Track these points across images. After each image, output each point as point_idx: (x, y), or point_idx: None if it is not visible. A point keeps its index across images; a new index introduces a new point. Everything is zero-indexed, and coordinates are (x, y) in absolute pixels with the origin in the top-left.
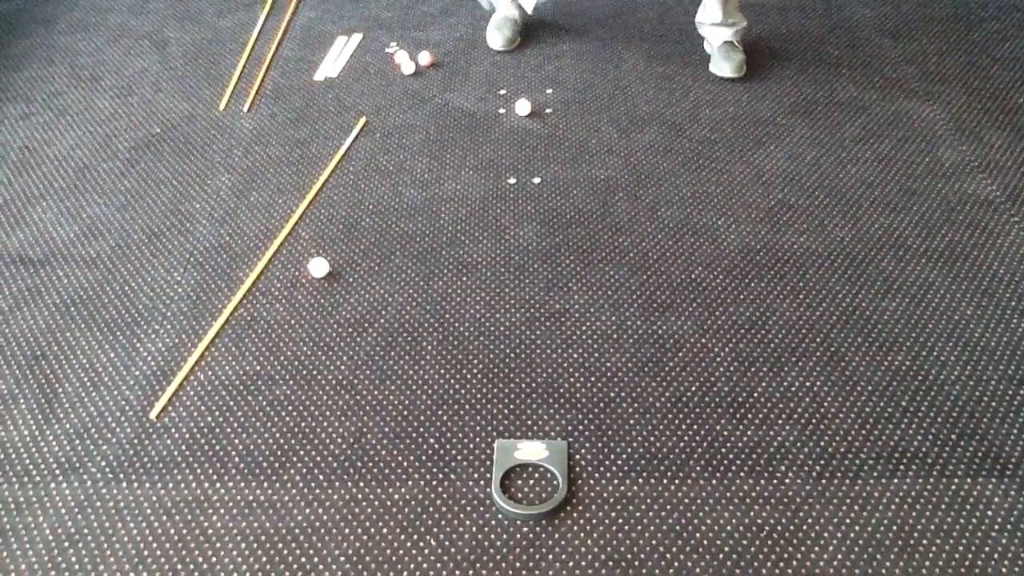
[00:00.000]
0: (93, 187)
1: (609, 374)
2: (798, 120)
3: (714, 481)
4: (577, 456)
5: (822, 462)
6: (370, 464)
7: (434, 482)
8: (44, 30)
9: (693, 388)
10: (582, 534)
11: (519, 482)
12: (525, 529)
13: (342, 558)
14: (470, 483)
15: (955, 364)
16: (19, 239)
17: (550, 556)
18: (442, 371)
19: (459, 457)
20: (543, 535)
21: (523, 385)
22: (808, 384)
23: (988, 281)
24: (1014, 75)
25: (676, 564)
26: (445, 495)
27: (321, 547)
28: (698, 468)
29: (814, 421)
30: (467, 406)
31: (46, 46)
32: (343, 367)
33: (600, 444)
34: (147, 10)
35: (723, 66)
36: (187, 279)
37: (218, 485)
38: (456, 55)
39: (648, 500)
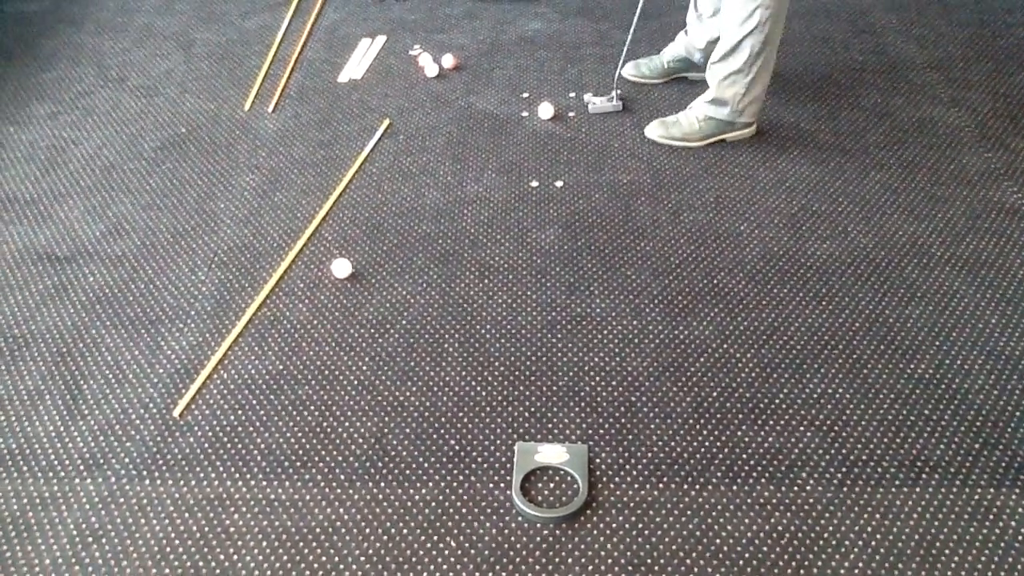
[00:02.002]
0: (119, 186)
1: (630, 378)
2: (822, 125)
3: (734, 487)
4: (597, 460)
5: (843, 470)
6: (391, 465)
7: (455, 483)
8: (71, 30)
9: (714, 393)
10: (602, 538)
11: (539, 485)
12: (545, 532)
13: (362, 558)
14: (490, 485)
15: (979, 373)
16: (46, 237)
17: (569, 560)
18: (464, 373)
19: (480, 459)
20: (563, 538)
21: (544, 388)
22: (830, 391)
23: (1013, 290)
24: None
25: (696, 570)
26: (465, 496)
27: (342, 546)
28: (719, 474)
29: (836, 428)
30: (488, 408)
31: (73, 46)
32: (365, 368)
33: (621, 448)
34: (173, 11)
35: (654, 126)
36: (211, 278)
37: (240, 483)
38: (479, 58)
39: (668, 505)
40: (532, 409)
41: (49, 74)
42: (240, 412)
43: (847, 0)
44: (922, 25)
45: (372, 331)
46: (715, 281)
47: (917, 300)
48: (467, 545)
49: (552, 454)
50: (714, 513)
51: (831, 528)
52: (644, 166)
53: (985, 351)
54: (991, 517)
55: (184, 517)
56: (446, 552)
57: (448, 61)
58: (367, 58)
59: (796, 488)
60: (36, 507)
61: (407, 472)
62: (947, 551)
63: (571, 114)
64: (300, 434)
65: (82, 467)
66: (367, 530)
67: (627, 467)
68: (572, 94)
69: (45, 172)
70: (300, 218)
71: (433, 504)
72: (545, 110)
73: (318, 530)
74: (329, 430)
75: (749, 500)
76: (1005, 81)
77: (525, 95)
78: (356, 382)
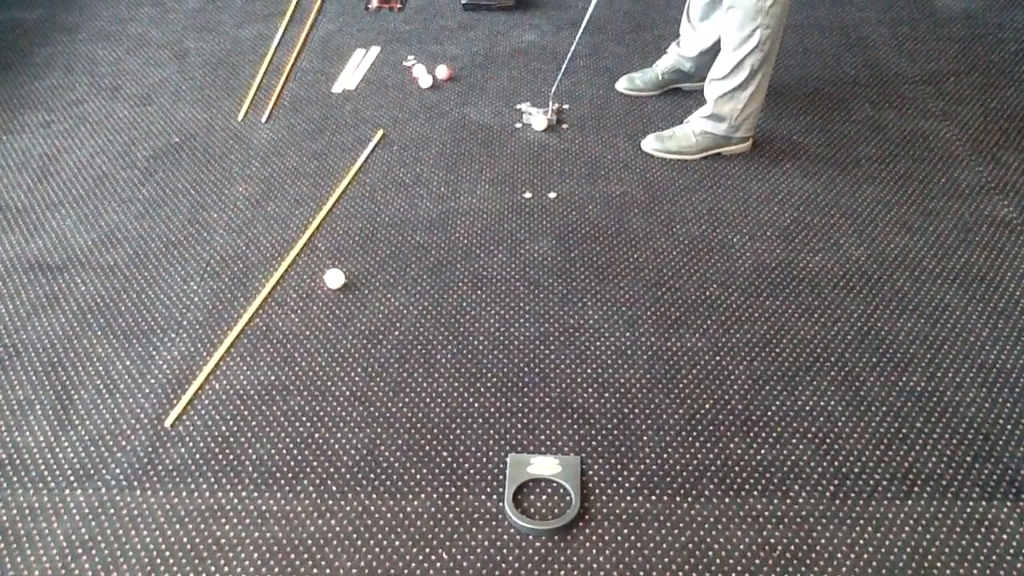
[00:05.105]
0: (111, 195)
1: (623, 390)
2: (814, 138)
3: (727, 499)
4: (590, 472)
5: (836, 482)
6: (383, 476)
7: (447, 495)
8: (66, 39)
9: (707, 405)
10: (594, 550)
11: (532, 497)
12: (537, 544)
13: (354, 570)
14: (483, 497)
15: (970, 386)
16: (38, 246)
17: (562, 572)
18: (456, 384)
19: (472, 471)
20: (555, 551)
21: (537, 400)
22: (822, 403)
23: (1004, 303)
24: None
25: None
26: (458, 508)
27: (333, 558)
28: (711, 486)
29: (828, 440)
30: (480, 420)
31: (67, 55)
32: (357, 379)
33: (613, 460)
34: (167, 20)
35: (650, 140)
36: (203, 288)
37: (231, 494)
38: (473, 69)
39: (661, 517)
40: (524, 421)
41: (42, 82)
42: (232, 423)
43: (839, 14)
44: (914, 39)
45: (365, 342)
46: (708, 293)
47: (909, 313)
48: (459, 557)
49: (544, 466)
50: (707, 525)
51: (823, 541)
52: (637, 178)
53: (976, 364)
54: (983, 530)
55: (175, 528)
56: (438, 564)
57: (442, 72)
58: (361, 69)
59: (788, 500)
60: (26, 517)
61: (399, 484)
62: (939, 564)
63: (564, 126)
64: (292, 445)
65: (72, 477)
66: (359, 542)
67: (620, 479)
68: (566, 105)
69: (38, 181)
70: (293, 228)
71: (425, 516)
72: (539, 121)
73: (309, 542)
74: (321, 441)
75: (742, 512)
76: (996, 95)
77: (519, 106)
78: (348, 393)
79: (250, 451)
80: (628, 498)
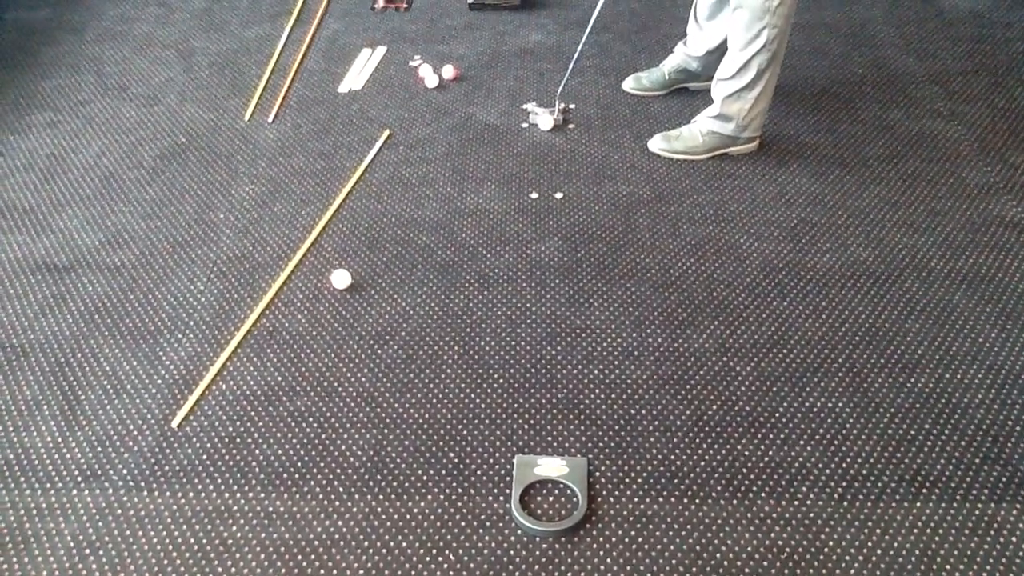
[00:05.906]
0: (118, 195)
1: (630, 391)
2: (821, 138)
3: (735, 501)
4: (597, 473)
5: (843, 484)
6: (390, 477)
7: (453, 496)
8: (72, 39)
9: (714, 407)
10: (601, 552)
11: (538, 498)
12: (544, 546)
13: (361, 571)
14: (489, 498)
15: (979, 387)
16: (45, 246)
17: (569, 574)
18: (462, 385)
19: (479, 472)
20: (562, 552)
21: (543, 401)
22: (830, 405)
23: (1013, 304)
24: None
25: None
26: (464, 510)
27: (340, 559)
28: (719, 488)
29: (836, 442)
30: (487, 421)
31: (74, 55)
32: (364, 379)
33: (620, 461)
34: (173, 20)
35: (657, 140)
36: (210, 289)
37: (238, 495)
38: (480, 69)
39: (668, 519)
40: (531, 422)
41: (49, 82)
42: (238, 423)
43: (846, 13)
44: (921, 38)
45: (371, 343)
46: (715, 294)
47: (917, 314)
48: (466, 559)
49: (551, 467)
50: (714, 527)
51: (831, 543)
52: (644, 178)
53: (985, 365)
54: (991, 532)
55: (182, 529)
56: (445, 566)
57: (448, 72)
58: (367, 68)
59: (796, 502)
60: (33, 518)
61: (406, 485)
62: (947, 566)
63: (571, 126)
64: (299, 446)
65: (80, 478)
66: (365, 543)
67: (627, 480)
68: (572, 105)
69: (44, 181)
70: (299, 229)
71: (432, 517)
72: (545, 121)
73: (316, 543)
74: (328, 442)
75: (749, 514)
76: (1004, 95)
77: (525, 106)
78: (355, 394)
79: (257, 452)
80: (635, 499)
